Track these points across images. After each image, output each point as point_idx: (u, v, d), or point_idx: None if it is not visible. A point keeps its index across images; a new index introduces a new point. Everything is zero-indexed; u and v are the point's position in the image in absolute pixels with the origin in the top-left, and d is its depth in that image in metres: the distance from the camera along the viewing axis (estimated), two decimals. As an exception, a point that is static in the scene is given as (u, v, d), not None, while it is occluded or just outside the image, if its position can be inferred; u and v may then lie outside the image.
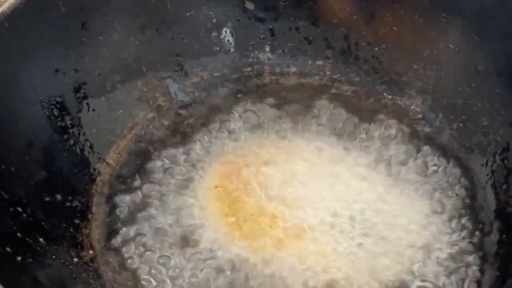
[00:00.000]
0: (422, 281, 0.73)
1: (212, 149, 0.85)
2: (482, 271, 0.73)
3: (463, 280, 0.73)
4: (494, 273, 0.73)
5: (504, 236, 0.76)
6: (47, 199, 0.74)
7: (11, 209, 0.67)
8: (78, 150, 0.80)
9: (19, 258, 0.63)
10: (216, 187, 0.80)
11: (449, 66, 0.88)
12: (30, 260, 0.65)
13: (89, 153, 0.81)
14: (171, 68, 0.91)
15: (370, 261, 0.74)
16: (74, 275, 0.69)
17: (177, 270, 0.73)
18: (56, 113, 0.79)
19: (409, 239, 0.76)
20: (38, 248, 0.68)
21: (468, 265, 0.74)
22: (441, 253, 0.75)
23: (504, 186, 0.79)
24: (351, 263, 0.74)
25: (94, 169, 0.81)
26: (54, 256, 0.69)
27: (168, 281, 0.72)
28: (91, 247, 0.75)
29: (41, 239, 0.68)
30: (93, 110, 0.83)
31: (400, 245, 0.76)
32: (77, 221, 0.76)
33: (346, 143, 0.86)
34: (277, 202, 0.78)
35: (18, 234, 0.66)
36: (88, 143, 0.81)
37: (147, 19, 0.88)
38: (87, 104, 0.82)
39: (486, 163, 0.82)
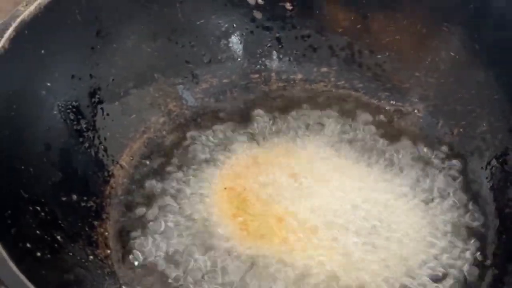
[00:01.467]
0: (419, 284, 0.75)
1: (221, 152, 0.88)
2: (481, 271, 0.76)
3: (462, 281, 0.75)
4: (493, 272, 0.76)
5: (504, 236, 0.78)
6: (63, 199, 0.76)
7: (30, 208, 0.70)
8: (93, 153, 0.83)
9: (38, 254, 0.66)
10: (225, 188, 0.83)
11: (450, 74, 0.91)
12: (48, 256, 0.68)
13: (103, 155, 0.84)
14: (181, 74, 0.94)
15: (374, 261, 0.76)
16: (90, 272, 0.72)
17: (190, 266, 0.76)
18: (72, 117, 0.82)
19: (408, 241, 0.79)
20: (56, 245, 0.70)
21: (467, 264, 0.76)
22: (440, 254, 0.77)
23: (503, 189, 0.82)
24: (356, 263, 0.76)
25: (108, 171, 0.84)
26: (71, 253, 0.72)
27: (183, 277, 0.75)
28: (106, 245, 0.78)
29: (58, 237, 0.71)
30: (107, 114, 0.86)
31: (400, 247, 0.78)
32: (92, 220, 0.79)
33: (352, 147, 0.89)
34: (284, 204, 0.81)
35: (37, 232, 0.69)
36: (102, 146, 0.84)
37: (159, 28, 0.91)
38: (102, 108, 0.85)
39: (486, 167, 0.85)
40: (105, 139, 0.85)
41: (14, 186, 0.70)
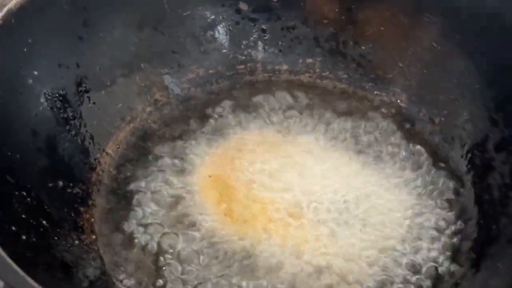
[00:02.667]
0: (402, 268, 0.76)
1: (206, 141, 0.89)
2: (459, 256, 0.77)
3: (440, 266, 0.77)
4: (471, 256, 0.77)
5: (482, 222, 0.80)
6: (50, 185, 0.78)
7: (17, 193, 0.71)
8: (79, 141, 0.84)
9: (24, 237, 0.67)
10: (210, 176, 0.85)
11: (432, 64, 0.93)
12: (33, 239, 0.69)
13: (89, 143, 0.86)
14: (168, 64, 0.95)
15: (356, 246, 0.78)
16: (75, 256, 0.73)
17: (174, 251, 0.77)
18: (58, 105, 0.83)
19: (392, 227, 0.80)
20: (41, 229, 0.72)
21: (445, 250, 0.78)
22: (419, 240, 0.79)
23: (482, 176, 0.83)
24: (341, 249, 0.77)
25: (95, 159, 0.86)
26: (56, 238, 0.73)
27: (168, 261, 0.76)
28: (92, 231, 0.79)
29: (44, 222, 0.72)
30: (94, 103, 0.87)
31: (383, 232, 0.79)
32: (78, 206, 0.80)
33: (335, 136, 0.90)
34: (268, 190, 0.83)
35: (23, 216, 0.70)
36: (89, 134, 0.86)
37: (145, 18, 0.92)
38: (88, 97, 0.87)
39: (466, 155, 0.86)
40: (91, 127, 0.86)
41: (1, 171, 0.71)
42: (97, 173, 0.85)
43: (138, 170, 0.86)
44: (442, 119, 0.91)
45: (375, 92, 0.96)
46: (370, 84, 0.97)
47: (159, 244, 0.78)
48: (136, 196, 0.83)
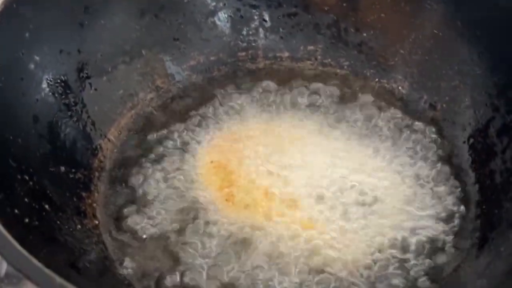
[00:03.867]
0: (404, 251, 0.76)
1: (207, 127, 0.89)
2: (462, 241, 0.77)
3: (443, 250, 0.77)
4: (473, 242, 0.77)
5: (484, 207, 0.80)
6: (52, 169, 0.77)
7: (19, 177, 0.71)
8: (81, 127, 0.84)
9: (26, 220, 0.67)
10: (211, 162, 0.85)
11: (433, 51, 0.92)
12: (36, 223, 0.69)
13: (91, 129, 0.86)
14: (169, 51, 0.95)
15: (358, 230, 0.78)
16: (78, 240, 0.73)
17: (175, 235, 0.77)
18: (60, 91, 0.83)
19: (394, 211, 0.80)
20: (44, 213, 0.71)
21: (447, 235, 0.78)
22: (421, 225, 0.79)
23: (484, 162, 0.83)
24: (340, 233, 0.77)
25: (97, 145, 0.86)
26: (58, 222, 0.73)
27: (169, 245, 0.77)
28: (94, 216, 0.79)
29: (46, 206, 0.72)
30: (95, 89, 0.87)
31: (385, 217, 0.79)
32: (80, 191, 0.80)
33: (337, 122, 0.90)
34: (270, 176, 0.83)
35: (26, 199, 0.70)
36: (90, 120, 0.86)
37: (146, 5, 0.92)
38: (90, 83, 0.86)
39: (468, 141, 0.86)
40: (93, 113, 0.86)
41: (3, 155, 0.71)
42: (99, 159, 0.85)
43: (140, 156, 0.86)
44: (444, 105, 0.91)
45: (377, 79, 0.96)
46: (371, 71, 0.97)
47: (160, 229, 0.78)
48: (137, 182, 0.83)
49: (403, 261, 0.75)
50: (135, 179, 0.83)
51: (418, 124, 0.90)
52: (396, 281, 0.73)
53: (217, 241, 0.76)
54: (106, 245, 0.77)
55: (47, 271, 0.55)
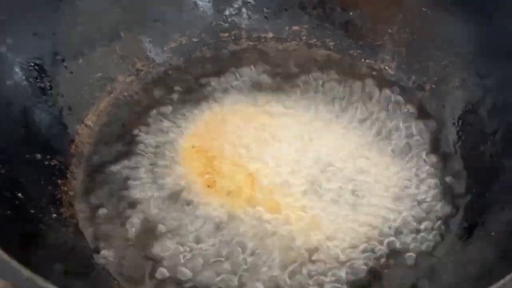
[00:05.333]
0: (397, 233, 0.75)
1: (189, 112, 0.86)
2: (451, 225, 0.75)
3: (434, 233, 0.75)
4: (463, 225, 0.75)
5: (473, 190, 0.78)
6: (26, 156, 0.75)
7: (-10, 165, 0.69)
8: (57, 112, 0.81)
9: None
10: (193, 147, 0.82)
11: (422, 30, 0.90)
12: (9, 212, 0.66)
13: (67, 114, 0.83)
14: (149, 33, 0.92)
15: (341, 215, 0.76)
16: (53, 229, 0.71)
17: (154, 219, 0.75)
18: (35, 75, 0.80)
19: (381, 194, 0.78)
20: (17, 202, 0.69)
21: (437, 217, 0.76)
22: (410, 209, 0.77)
23: (473, 144, 0.81)
24: (323, 219, 0.75)
25: (73, 130, 0.83)
26: (32, 211, 0.70)
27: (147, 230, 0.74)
28: (70, 204, 0.76)
29: (19, 194, 0.70)
30: (71, 72, 0.84)
31: (370, 201, 0.77)
32: (56, 179, 0.77)
33: (324, 105, 0.87)
34: (252, 162, 0.80)
35: (-3, 188, 0.67)
36: (66, 105, 0.83)
37: (125, -15, 0.89)
38: (65, 66, 0.84)
39: (457, 122, 0.84)
40: (69, 97, 0.83)
41: (-28, 142, 0.68)
42: (76, 145, 0.82)
43: (119, 141, 0.83)
44: (433, 86, 0.88)
45: (363, 60, 0.94)
46: (358, 51, 0.94)
47: (139, 216, 0.75)
48: (117, 168, 0.80)
49: (392, 246, 0.73)
50: (114, 166, 0.80)
51: (406, 105, 0.88)
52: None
53: (198, 228, 0.74)
54: (84, 235, 0.74)
55: (14, 264, 0.53)
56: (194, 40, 0.94)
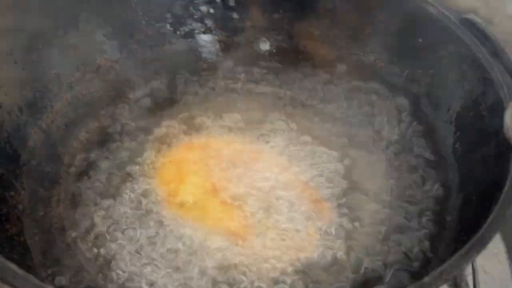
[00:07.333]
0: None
1: (155, 113, 0.81)
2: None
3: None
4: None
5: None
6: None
7: None
8: (5, 113, 0.73)
9: None
10: (159, 151, 0.76)
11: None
12: None
13: (17, 116, 0.74)
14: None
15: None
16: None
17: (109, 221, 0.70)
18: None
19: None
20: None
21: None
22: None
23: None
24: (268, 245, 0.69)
25: (25, 134, 0.75)
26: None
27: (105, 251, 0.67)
28: (18, 219, 0.68)
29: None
30: (23, 69, 0.76)
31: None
32: (2, 191, 0.69)
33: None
34: (220, 177, 0.73)
35: None
36: (16, 106, 0.74)
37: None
38: (15, 61, 0.75)
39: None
40: (20, 97, 0.75)
41: None
42: (28, 151, 0.74)
43: (77, 145, 0.77)
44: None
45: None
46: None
47: (92, 230, 0.69)
48: (72, 176, 0.74)
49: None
50: (70, 175, 0.74)
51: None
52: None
53: (148, 230, 0.69)
54: (32, 254, 0.66)
55: None
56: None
